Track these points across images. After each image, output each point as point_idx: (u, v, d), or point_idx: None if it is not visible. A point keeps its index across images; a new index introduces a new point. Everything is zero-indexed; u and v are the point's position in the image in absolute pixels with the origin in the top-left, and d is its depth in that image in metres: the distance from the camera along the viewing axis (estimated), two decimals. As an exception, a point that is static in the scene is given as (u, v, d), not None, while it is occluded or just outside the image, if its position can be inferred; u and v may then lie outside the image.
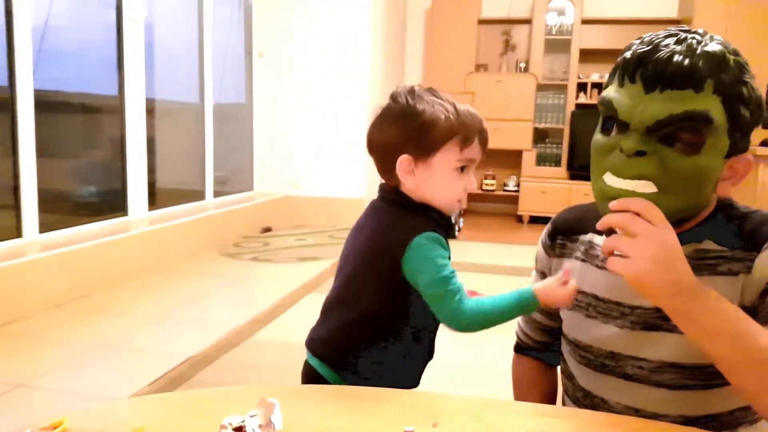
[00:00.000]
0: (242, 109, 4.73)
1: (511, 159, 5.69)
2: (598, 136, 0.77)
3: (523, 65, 5.66)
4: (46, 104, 2.77)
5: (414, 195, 0.97)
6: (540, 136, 5.71)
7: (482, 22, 5.63)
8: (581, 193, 4.91)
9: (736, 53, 0.72)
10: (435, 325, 1.00)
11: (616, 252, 0.67)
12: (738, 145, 0.73)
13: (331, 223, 4.65)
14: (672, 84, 0.68)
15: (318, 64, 4.64)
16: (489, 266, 3.73)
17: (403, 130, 0.95)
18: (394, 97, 0.98)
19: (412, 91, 0.97)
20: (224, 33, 4.36)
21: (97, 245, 2.74)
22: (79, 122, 3.14)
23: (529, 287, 0.89)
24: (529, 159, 5.48)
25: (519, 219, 5.56)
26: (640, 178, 0.70)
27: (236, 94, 4.70)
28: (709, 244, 0.77)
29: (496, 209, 6.07)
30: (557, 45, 5.50)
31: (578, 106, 5.46)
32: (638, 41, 0.74)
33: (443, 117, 0.94)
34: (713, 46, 0.70)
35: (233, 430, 0.65)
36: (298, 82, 4.66)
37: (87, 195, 3.19)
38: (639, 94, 0.70)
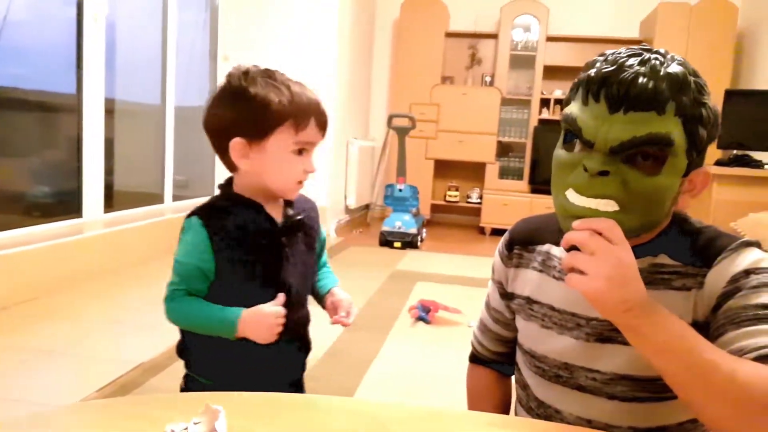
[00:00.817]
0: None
1: (474, 171, 5.77)
2: (560, 152, 0.78)
3: (488, 79, 5.75)
4: (3, 101, 2.68)
5: (251, 180, 0.97)
6: (503, 149, 5.80)
7: (450, 35, 5.72)
8: (543, 207, 5.00)
9: (695, 74, 0.74)
10: (248, 305, 0.97)
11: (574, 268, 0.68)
12: (695, 163, 0.75)
13: (293, 230, 4.61)
14: (636, 106, 0.70)
15: (283, 71, 4.61)
16: (450, 277, 3.75)
17: (235, 113, 0.93)
18: (228, 78, 0.96)
19: (246, 73, 0.95)
20: (189, 35, 4.29)
21: (49, 247, 2.65)
22: (34, 121, 3.04)
23: (239, 311, 0.91)
24: (492, 172, 5.57)
25: (481, 231, 5.62)
26: (602, 197, 0.72)
27: (199, 97, 4.63)
28: (663, 258, 0.79)
29: (459, 221, 6.13)
30: (522, 61, 5.62)
31: (541, 121, 5.58)
32: (601, 59, 0.75)
33: (276, 100, 0.92)
34: (675, 68, 0.71)
35: (176, 438, 0.63)
36: (264, 88, 4.63)
37: (41, 195, 3.08)
38: (603, 114, 0.71)
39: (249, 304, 0.92)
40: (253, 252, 0.95)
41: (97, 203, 3.20)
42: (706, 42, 4.91)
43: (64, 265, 2.67)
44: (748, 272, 0.72)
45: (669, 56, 0.73)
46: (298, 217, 1.01)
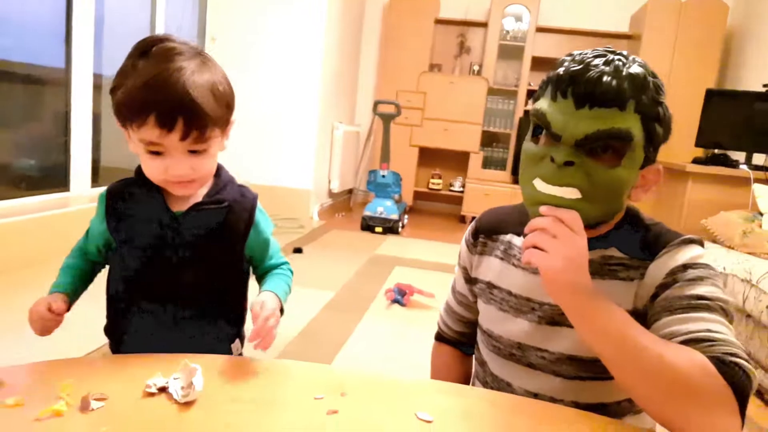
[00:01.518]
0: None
1: (458, 160, 5.83)
2: (529, 144, 0.85)
3: (476, 68, 5.79)
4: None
5: None
6: (488, 139, 5.87)
7: (439, 21, 5.72)
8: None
9: (654, 75, 0.81)
10: (130, 288, 0.95)
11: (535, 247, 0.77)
12: (650, 158, 0.83)
13: (275, 212, 4.66)
14: (600, 102, 0.77)
15: (270, 53, 4.63)
16: (428, 263, 3.84)
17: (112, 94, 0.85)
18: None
19: (140, 45, 0.84)
20: (177, 15, 4.29)
21: (37, 219, 2.69)
22: (21, 93, 3.05)
23: (56, 288, 0.94)
24: (475, 161, 5.63)
25: (462, 219, 5.70)
26: (567, 185, 0.79)
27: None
28: (613, 251, 0.87)
29: (441, 209, 6.20)
30: (510, 51, 5.65)
31: (527, 112, 5.65)
32: (569, 59, 0.82)
33: (122, 87, 0.82)
34: (636, 69, 0.79)
35: (157, 389, 0.71)
36: (250, 70, 4.64)
37: (26, 168, 3.10)
38: (570, 110, 0.78)
39: (134, 283, 0.94)
40: (139, 237, 0.92)
41: (85, 177, 3.24)
42: (695, 39, 4.96)
43: (52, 237, 2.71)
44: (685, 266, 0.80)
45: (631, 58, 0.81)
46: (199, 209, 0.94)
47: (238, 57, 4.60)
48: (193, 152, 0.86)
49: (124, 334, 0.98)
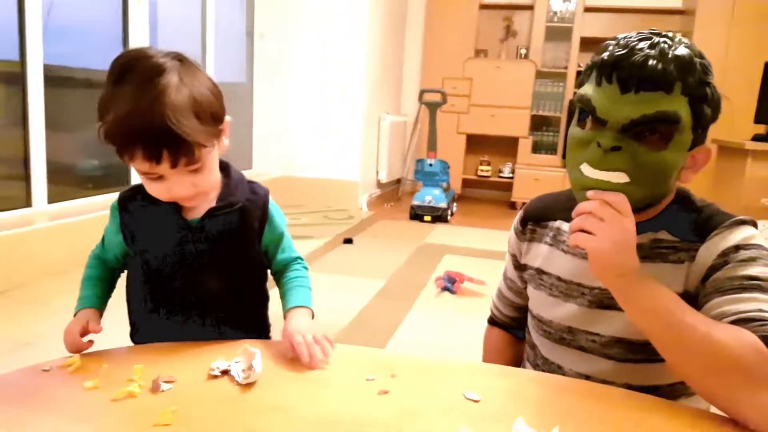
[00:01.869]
0: (242, 88, 4.80)
1: (507, 146, 5.74)
2: (575, 129, 0.85)
3: (523, 52, 5.69)
4: (53, 79, 2.85)
5: None
6: (537, 123, 5.76)
7: (483, 6, 5.64)
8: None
9: (701, 56, 0.80)
10: (152, 297, 0.95)
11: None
12: (699, 139, 0.82)
13: (326, 204, 4.75)
14: (646, 86, 0.77)
15: (316, 47, 4.70)
16: (478, 250, 3.83)
17: None
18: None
19: (116, 66, 0.81)
20: (226, 12, 4.41)
21: (100, 217, 2.85)
22: (83, 97, 3.22)
23: (83, 306, 0.92)
24: (525, 146, 5.55)
25: (512, 206, 5.63)
26: (614, 170, 0.79)
27: (237, 73, 4.77)
28: (664, 234, 0.86)
29: (491, 196, 6.15)
30: (558, 32, 5.52)
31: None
32: (614, 43, 0.82)
33: (104, 119, 0.80)
34: (682, 50, 0.78)
35: (220, 372, 0.76)
36: (298, 64, 4.73)
37: (90, 168, 3.28)
38: (615, 95, 0.78)
39: (153, 294, 0.94)
40: (156, 248, 0.93)
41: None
42: (753, 11, 4.69)
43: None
44: (737, 247, 0.79)
45: (677, 39, 0.80)
46: (214, 215, 0.93)
47: (285, 52, 4.69)
48: (191, 171, 0.85)
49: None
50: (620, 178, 0.79)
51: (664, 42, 0.78)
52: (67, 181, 3.07)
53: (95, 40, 3.23)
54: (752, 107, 3.63)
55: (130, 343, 0.98)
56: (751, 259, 0.77)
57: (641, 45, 0.78)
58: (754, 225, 0.83)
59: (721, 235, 0.81)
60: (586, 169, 0.81)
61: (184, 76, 0.82)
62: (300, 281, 0.99)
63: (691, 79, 0.78)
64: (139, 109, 0.77)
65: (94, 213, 2.83)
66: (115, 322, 0.96)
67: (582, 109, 0.84)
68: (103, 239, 1.00)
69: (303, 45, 4.71)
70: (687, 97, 0.78)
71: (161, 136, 0.78)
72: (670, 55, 0.77)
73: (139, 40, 3.28)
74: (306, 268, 1.03)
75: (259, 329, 1.05)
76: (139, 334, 1.00)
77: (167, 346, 0.86)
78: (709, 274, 0.80)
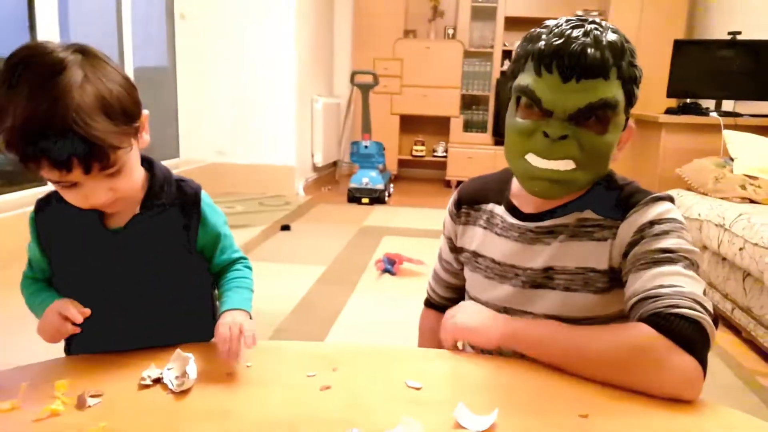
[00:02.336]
0: (165, 72, 4.59)
1: (439, 125, 5.82)
2: (515, 120, 0.87)
3: (450, 32, 5.73)
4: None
5: None
6: (467, 102, 5.85)
7: (410, -14, 5.64)
8: (505, 160, 5.08)
9: (627, 40, 0.84)
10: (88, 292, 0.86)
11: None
12: (627, 119, 0.87)
13: (260, 190, 4.65)
14: (587, 75, 0.79)
15: (242, 28, 4.55)
16: (416, 230, 3.88)
17: None
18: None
19: (10, 65, 0.72)
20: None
21: (14, 216, 2.68)
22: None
23: (52, 301, 0.83)
24: (456, 125, 5.63)
25: (447, 184, 5.73)
26: (562, 158, 0.82)
27: (158, 57, 4.55)
28: (588, 213, 0.89)
29: (426, 175, 6.22)
30: (484, 12, 5.60)
31: (503, 73, 5.61)
32: (545, 31, 0.83)
33: (9, 124, 0.71)
34: (612, 36, 0.81)
35: (152, 381, 0.73)
36: (223, 45, 4.55)
37: (4, 162, 3.06)
38: (557, 84, 0.80)
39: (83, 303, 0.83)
40: (78, 262, 0.87)
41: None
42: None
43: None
44: (652, 222, 0.83)
45: (605, 25, 0.83)
46: (138, 220, 0.87)
47: (208, 33, 4.51)
48: (108, 175, 0.77)
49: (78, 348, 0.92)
50: (567, 165, 0.82)
51: (596, 29, 0.81)
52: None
53: (-2, 25, 2.99)
54: (665, 82, 3.83)
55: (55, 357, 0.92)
56: (664, 233, 0.82)
57: (576, 33, 0.80)
58: (671, 200, 0.87)
59: (639, 212, 0.85)
60: (534, 159, 0.84)
61: (89, 71, 0.73)
62: (239, 282, 0.93)
63: (623, 63, 0.82)
64: (40, 113, 0.69)
65: (7, 212, 2.64)
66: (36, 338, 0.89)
67: (519, 98, 0.86)
68: (29, 261, 0.91)
69: (227, 25, 4.54)
70: (620, 80, 0.82)
71: (68, 143, 0.70)
72: (604, 42, 0.80)
73: (47, 25, 3.06)
74: (249, 268, 0.97)
75: (207, 338, 0.95)
76: (74, 346, 0.93)
77: (92, 357, 0.82)
78: (627, 250, 0.84)
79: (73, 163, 0.72)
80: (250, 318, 0.86)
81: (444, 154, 5.84)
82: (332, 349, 0.86)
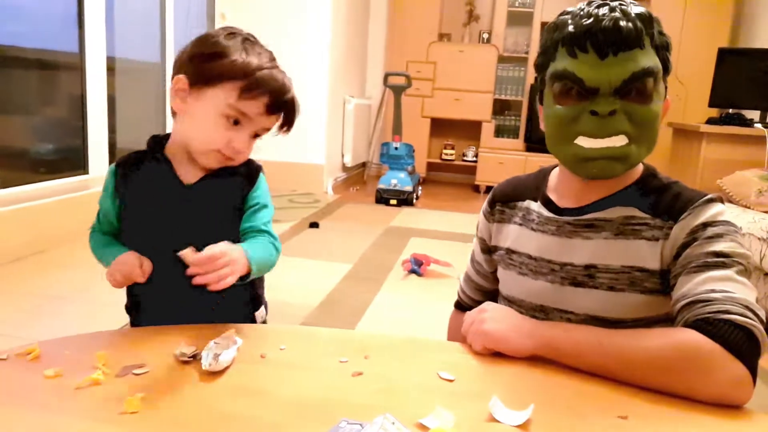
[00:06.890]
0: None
1: (470, 130, 5.79)
2: (557, 108, 0.85)
3: (485, 36, 5.71)
4: (3, 59, 2.72)
5: (180, 136, 0.95)
6: (499, 107, 5.81)
7: (447, -10, 5.64)
8: (537, 165, 4.86)
9: (650, 12, 0.84)
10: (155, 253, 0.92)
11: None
12: (666, 88, 0.87)
13: (290, 187, 4.69)
14: (623, 47, 0.79)
15: (278, 29, 4.61)
16: (443, 233, 3.86)
17: (194, 50, 0.92)
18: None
19: (232, 32, 0.94)
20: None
21: (57, 201, 2.75)
22: (35, 78, 3.08)
23: (120, 253, 0.91)
24: (488, 130, 5.60)
25: (476, 189, 5.69)
26: (615, 134, 0.81)
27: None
28: (634, 211, 0.87)
29: (455, 179, 6.19)
30: (520, 17, 5.57)
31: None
32: (569, 17, 0.83)
33: (238, 58, 0.89)
34: (637, 8, 0.82)
35: (189, 357, 0.74)
36: (261, 45, 4.62)
37: (44, 152, 3.15)
38: (596, 62, 0.80)
39: (147, 256, 0.91)
40: (150, 210, 0.95)
41: (102, 160, 3.28)
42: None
43: (72, 219, 2.77)
44: (705, 225, 0.81)
45: (628, 1, 0.83)
46: (209, 179, 0.96)
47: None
48: (256, 135, 0.94)
49: (142, 310, 1.00)
50: (621, 141, 0.81)
51: (620, 4, 0.81)
52: (19, 166, 2.94)
53: (49, 20, 3.08)
54: (707, 91, 3.74)
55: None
56: (718, 236, 0.80)
57: (602, 11, 0.80)
58: (722, 201, 0.86)
59: (693, 215, 0.83)
60: (585, 141, 0.82)
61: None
62: (261, 242, 0.94)
63: (654, 31, 0.82)
64: (281, 76, 0.98)
65: (50, 198, 2.72)
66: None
67: (569, 87, 0.84)
68: (98, 215, 1.00)
69: (265, 26, 4.60)
70: (654, 49, 0.82)
71: (288, 102, 0.97)
72: (632, 14, 0.80)
73: (94, 19, 3.15)
74: (275, 247, 0.96)
75: (254, 303, 1.05)
76: (133, 303, 1.01)
77: (132, 332, 0.84)
78: (679, 252, 0.82)
79: (277, 116, 0.95)
80: (249, 273, 0.86)
81: (474, 158, 5.81)
82: (364, 338, 0.87)
